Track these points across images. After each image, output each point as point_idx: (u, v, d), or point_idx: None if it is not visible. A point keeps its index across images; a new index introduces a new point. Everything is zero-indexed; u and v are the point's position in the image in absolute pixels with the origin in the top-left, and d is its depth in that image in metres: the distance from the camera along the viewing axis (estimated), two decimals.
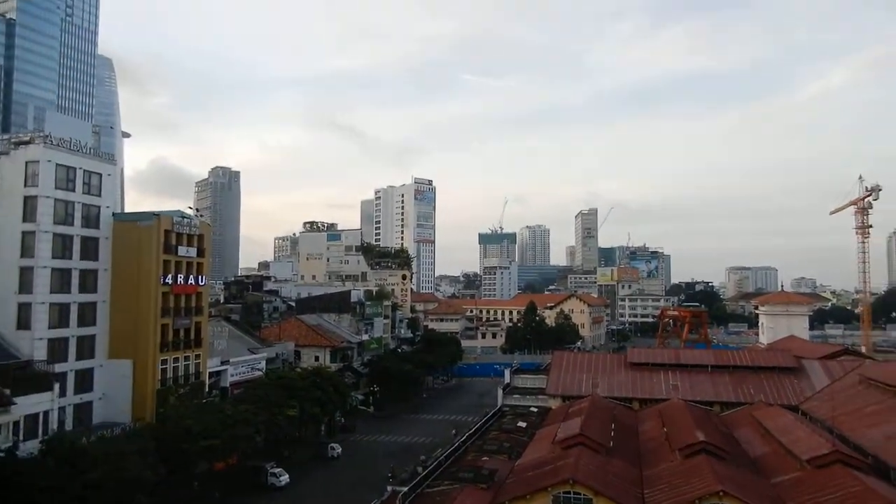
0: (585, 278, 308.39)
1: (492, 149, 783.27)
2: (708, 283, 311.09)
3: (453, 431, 75.14)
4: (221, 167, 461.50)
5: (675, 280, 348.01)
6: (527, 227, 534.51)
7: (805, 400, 60.79)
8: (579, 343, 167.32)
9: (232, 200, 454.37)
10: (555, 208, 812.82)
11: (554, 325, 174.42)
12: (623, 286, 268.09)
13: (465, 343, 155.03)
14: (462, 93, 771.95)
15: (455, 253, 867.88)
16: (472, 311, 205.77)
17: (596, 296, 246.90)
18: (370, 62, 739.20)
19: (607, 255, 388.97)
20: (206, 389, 69.64)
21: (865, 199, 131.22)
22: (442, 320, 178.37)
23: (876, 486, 35.01)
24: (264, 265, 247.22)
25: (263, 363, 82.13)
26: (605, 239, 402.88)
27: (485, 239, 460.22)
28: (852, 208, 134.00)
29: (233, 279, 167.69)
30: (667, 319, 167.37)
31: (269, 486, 62.91)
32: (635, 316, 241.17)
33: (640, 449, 47.28)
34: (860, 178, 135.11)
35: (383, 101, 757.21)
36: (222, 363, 74.63)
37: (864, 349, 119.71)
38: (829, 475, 37.10)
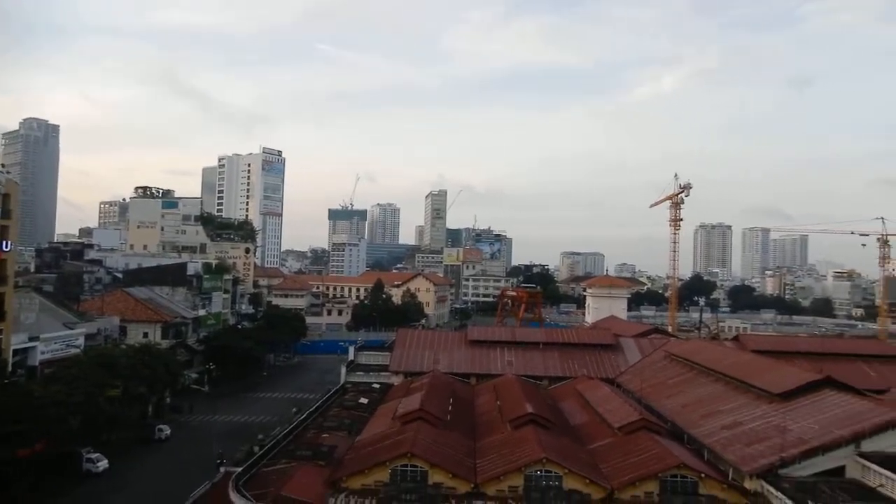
0: (433, 258, 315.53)
1: (345, 124, 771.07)
2: (544, 266, 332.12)
3: (294, 410, 73.80)
4: (36, 119, 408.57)
5: (515, 262, 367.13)
6: (377, 204, 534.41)
7: (620, 374, 67.54)
8: (423, 321, 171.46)
9: (48, 158, 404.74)
10: (406, 188, 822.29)
11: (400, 303, 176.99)
12: (468, 266, 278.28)
13: (310, 320, 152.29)
14: (316, 63, 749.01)
15: (303, 228, 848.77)
16: (318, 288, 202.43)
17: (442, 275, 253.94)
18: (218, 20, 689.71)
19: (454, 237, 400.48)
20: (10, 368, 61.96)
21: (679, 195, 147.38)
22: (287, 296, 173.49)
23: (671, 447, 39.95)
24: (86, 232, 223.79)
25: (82, 340, 74.63)
26: (453, 220, 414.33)
27: (335, 215, 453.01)
28: (668, 202, 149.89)
29: (47, 246, 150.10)
30: (506, 299, 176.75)
31: (85, 473, 57.70)
32: (478, 295, 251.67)
33: (476, 421, 49.76)
34: (675, 175, 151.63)
35: (231, 64, 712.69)
36: (30, 339, 66.75)
37: (670, 328, 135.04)
38: (635, 440, 41.67)
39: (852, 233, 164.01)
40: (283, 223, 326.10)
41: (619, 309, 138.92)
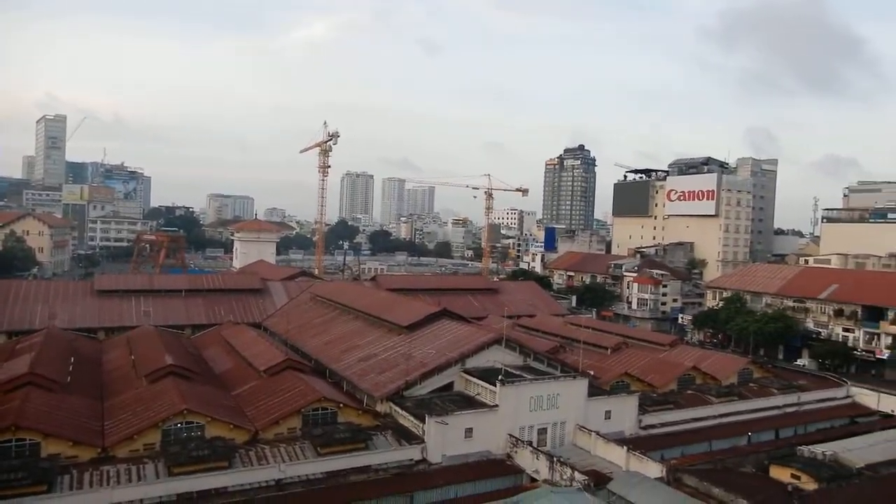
0: (48, 195, 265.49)
1: None
2: (189, 208, 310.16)
3: None
4: None
5: (155, 203, 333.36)
6: None
7: (267, 317, 68.12)
8: (35, 270, 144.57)
9: None
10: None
11: (2, 248, 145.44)
12: (95, 207, 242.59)
13: None
14: None
15: None
16: None
17: (60, 216, 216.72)
18: None
19: (77, 172, 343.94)
20: None
21: (327, 143, 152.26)
22: None
23: (314, 383, 42.25)
24: None
25: None
26: (75, 153, 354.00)
27: None
28: (317, 149, 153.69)
29: None
30: (143, 244, 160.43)
31: None
32: (108, 240, 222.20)
33: (105, 380, 44.68)
34: (325, 123, 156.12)
35: None
36: None
37: (317, 271, 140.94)
38: (280, 380, 42.81)
39: (467, 186, 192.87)
40: None
41: (269, 253, 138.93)
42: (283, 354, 47.80)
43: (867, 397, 56.85)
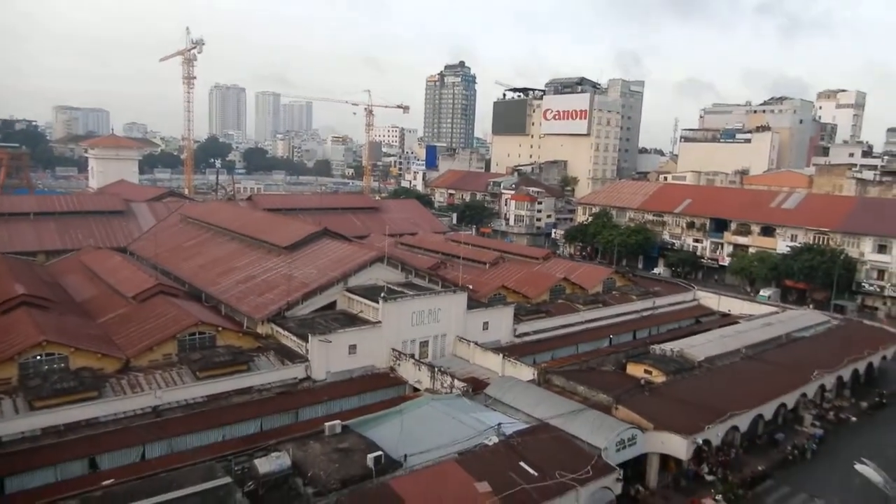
0: None
1: None
2: (31, 122, 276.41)
3: None
4: None
5: None
6: None
7: (133, 241, 63.77)
8: None
9: None
10: None
11: None
12: None
13: None
14: None
15: None
16: None
17: None
18: None
19: None
20: None
21: (191, 51, 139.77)
22: None
23: (189, 307, 40.69)
24: None
25: None
26: None
27: None
28: (180, 58, 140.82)
29: None
30: None
31: None
32: None
33: None
34: (187, 30, 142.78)
35: None
36: None
37: (186, 191, 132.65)
38: (150, 305, 40.78)
39: (346, 102, 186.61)
40: None
41: (130, 172, 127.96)
42: (153, 279, 45.32)
43: (710, 300, 64.00)
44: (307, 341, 37.01)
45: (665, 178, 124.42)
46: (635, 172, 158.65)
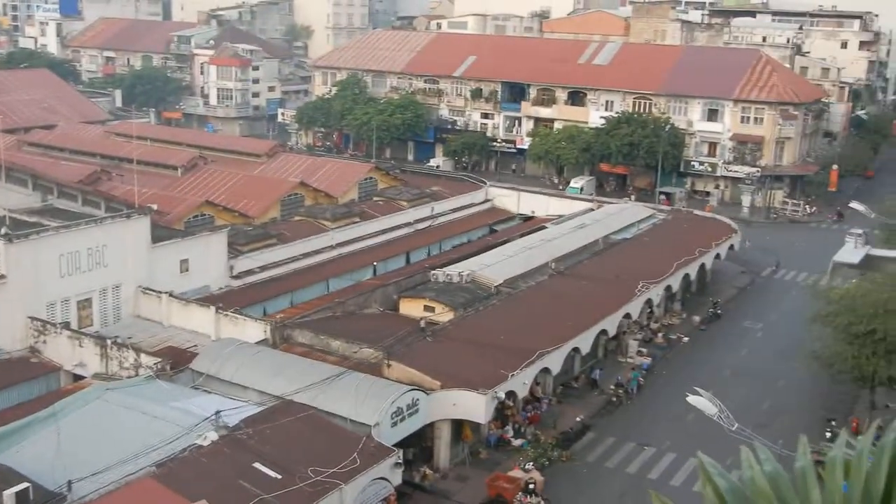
0: None
1: None
2: None
3: None
4: None
5: None
6: None
7: None
8: None
9: None
10: None
11: None
12: None
13: None
14: None
15: None
16: None
17: None
18: None
19: None
20: None
21: None
22: None
23: None
24: None
25: None
26: None
27: None
28: None
29: None
30: None
31: None
32: None
33: None
34: None
35: None
36: None
37: None
38: None
39: None
40: None
41: None
42: None
43: (507, 199, 69.57)
44: None
45: (439, 26, 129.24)
46: (396, 18, 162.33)
